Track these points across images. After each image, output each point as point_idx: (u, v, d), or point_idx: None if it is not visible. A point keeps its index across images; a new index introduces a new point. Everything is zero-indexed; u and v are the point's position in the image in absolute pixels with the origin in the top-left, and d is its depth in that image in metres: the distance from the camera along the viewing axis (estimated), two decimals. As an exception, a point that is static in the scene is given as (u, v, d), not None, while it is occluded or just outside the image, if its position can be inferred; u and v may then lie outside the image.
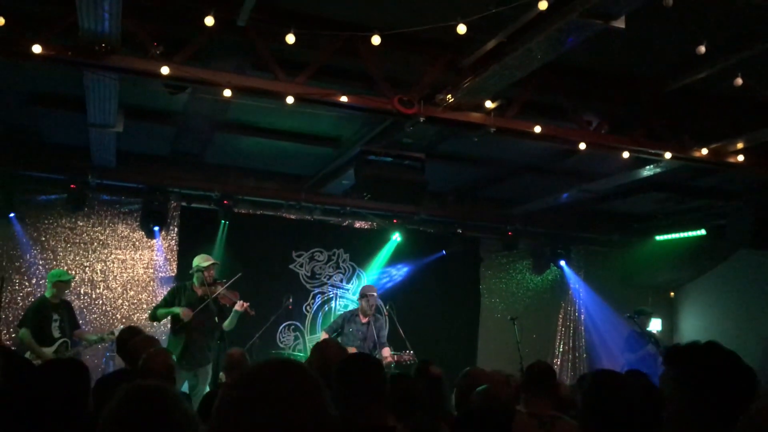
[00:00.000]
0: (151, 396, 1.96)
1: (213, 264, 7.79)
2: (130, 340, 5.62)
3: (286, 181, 10.10)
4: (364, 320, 8.53)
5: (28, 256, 9.43)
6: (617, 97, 6.79)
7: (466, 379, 4.45)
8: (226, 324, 7.64)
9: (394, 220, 10.91)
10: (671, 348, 2.36)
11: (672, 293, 12.35)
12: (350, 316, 8.64)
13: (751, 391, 2.24)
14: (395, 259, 11.17)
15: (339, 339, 8.30)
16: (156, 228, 9.71)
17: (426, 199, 9.32)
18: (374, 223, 11.15)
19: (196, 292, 7.71)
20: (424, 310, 10.94)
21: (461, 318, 11.34)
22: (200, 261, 7.77)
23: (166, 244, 10.02)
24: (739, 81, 5.23)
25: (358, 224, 11.23)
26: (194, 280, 7.81)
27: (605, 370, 2.89)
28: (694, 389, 2.22)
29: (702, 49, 4.87)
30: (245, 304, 7.60)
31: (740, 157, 7.07)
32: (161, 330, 9.32)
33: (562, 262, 11.91)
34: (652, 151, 7.01)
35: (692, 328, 11.87)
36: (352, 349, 7.66)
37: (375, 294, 8.65)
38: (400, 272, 11.27)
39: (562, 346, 12.14)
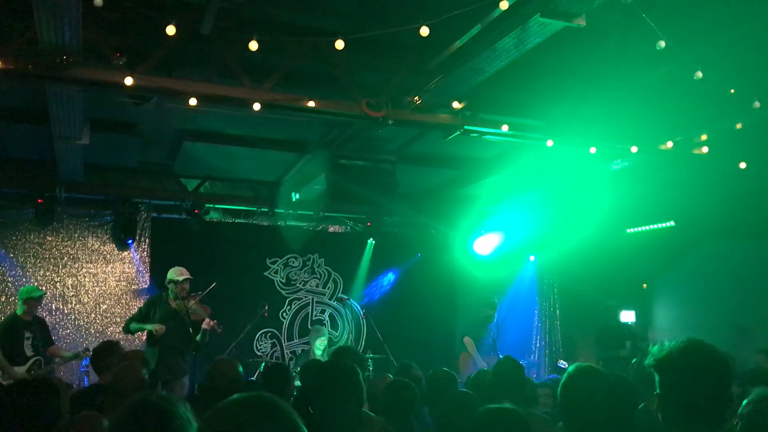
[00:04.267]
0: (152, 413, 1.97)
1: (187, 279, 7.68)
2: (107, 356, 5.60)
3: (258, 188, 10.05)
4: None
5: (-4, 274, 9.27)
6: (583, 93, 6.85)
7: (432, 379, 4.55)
8: (198, 338, 7.57)
9: (368, 223, 10.91)
10: (654, 353, 2.42)
11: (644, 285, 12.50)
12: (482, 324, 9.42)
13: (725, 381, 2.31)
14: (372, 265, 11.17)
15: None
16: (130, 240, 9.63)
17: (398, 201, 9.33)
18: (348, 227, 11.14)
19: (171, 305, 7.64)
20: (401, 312, 10.98)
21: (438, 318, 11.37)
22: (174, 275, 7.67)
23: (138, 256, 9.91)
24: (700, 74, 5.32)
25: (331, 228, 11.22)
26: (169, 292, 7.74)
27: (581, 364, 2.91)
28: (677, 390, 2.31)
29: (662, 43, 4.94)
30: (212, 323, 7.51)
31: (705, 149, 7.19)
32: (136, 343, 9.23)
33: (536, 258, 12.01)
34: (619, 146, 7.10)
35: (666, 319, 12.03)
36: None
37: (496, 302, 9.69)
38: (386, 278, 11.31)
39: (539, 341, 12.23)
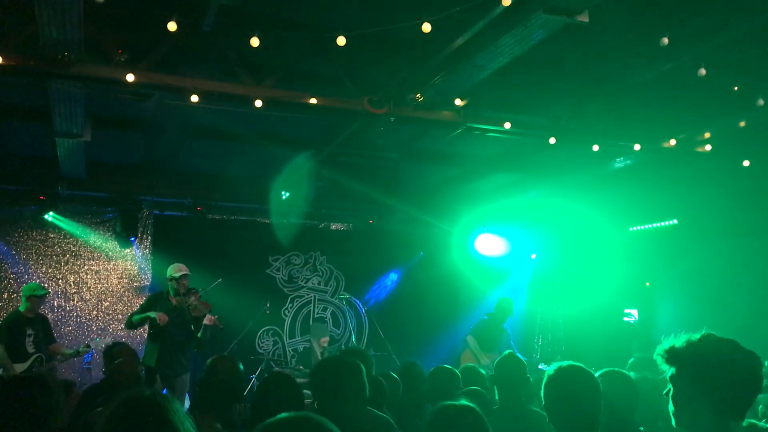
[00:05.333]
0: (143, 408, 1.98)
1: (185, 275, 7.70)
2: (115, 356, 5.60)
3: (260, 185, 10.03)
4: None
5: (-2, 271, 9.29)
6: (585, 90, 6.84)
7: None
8: (200, 334, 7.57)
9: (370, 221, 10.90)
10: (668, 348, 2.33)
11: (647, 283, 12.47)
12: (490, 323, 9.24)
13: (758, 375, 2.24)
14: (375, 263, 11.16)
15: (481, 343, 8.96)
16: (132, 237, 9.62)
17: (400, 199, 9.35)
18: (350, 225, 11.12)
19: (171, 302, 7.64)
20: (403, 309, 10.99)
21: (440, 315, 11.36)
22: (173, 271, 7.69)
23: (140, 253, 9.92)
24: (703, 72, 5.30)
25: (334, 226, 11.20)
26: (169, 289, 7.74)
27: (562, 363, 2.89)
28: (702, 384, 2.21)
29: (665, 40, 4.92)
30: (213, 318, 7.52)
31: (708, 147, 7.17)
32: (138, 340, 9.24)
33: (536, 255, 11.98)
34: (622, 144, 7.08)
35: (669, 317, 11.98)
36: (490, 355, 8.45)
37: (510, 305, 9.39)
38: (389, 278, 11.31)
39: (541, 340, 12.21)
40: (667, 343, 2.34)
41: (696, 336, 2.30)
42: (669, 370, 2.33)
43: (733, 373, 2.19)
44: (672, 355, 2.32)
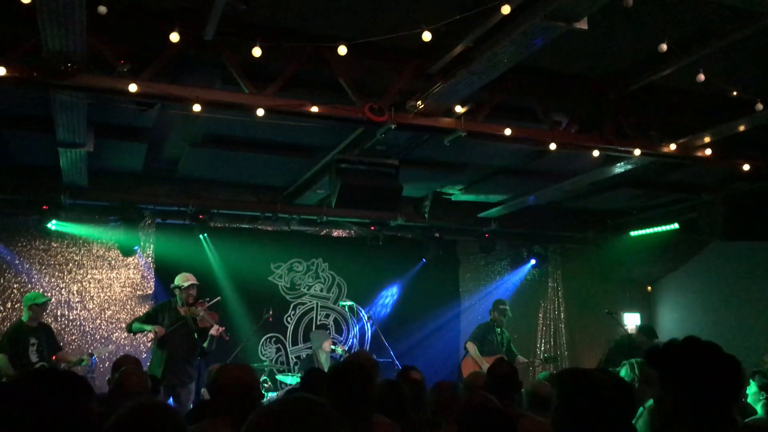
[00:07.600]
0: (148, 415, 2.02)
1: (193, 284, 7.75)
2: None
3: (261, 193, 10.06)
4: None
5: (2, 280, 9.30)
6: (585, 96, 6.87)
7: (436, 390, 4.57)
8: (206, 345, 7.61)
9: (371, 227, 10.91)
10: (651, 350, 2.38)
11: (649, 287, 12.49)
12: (488, 328, 9.35)
13: (737, 378, 2.29)
14: (379, 271, 11.16)
15: (481, 348, 9.07)
16: (135, 246, 9.63)
17: (401, 205, 9.36)
18: (352, 231, 11.15)
19: (179, 311, 7.69)
20: (406, 316, 10.99)
21: (442, 322, 11.38)
22: (181, 281, 7.74)
23: (143, 261, 9.95)
24: (702, 77, 5.33)
25: (335, 233, 11.23)
26: (177, 298, 7.79)
27: (580, 368, 2.89)
28: (682, 387, 2.25)
29: (664, 47, 4.95)
30: (221, 329, 7.57)
31: (707, 151, 7.19)
32: (142, 348, 9.27)
33: (537, 262, 11.97)
34: (622, 149, 7.10)
35: (670, 321, 12.02)
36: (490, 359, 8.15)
37: (506, 307, 9.53)
38: (390, 291, 11.32)
39: (543, 345, 12.21)
40: (652, 348, 2.38)
41: (678, 340, 2.34)
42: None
43: (714, 377, 2.23)
44: (653, 359, 2.37)
